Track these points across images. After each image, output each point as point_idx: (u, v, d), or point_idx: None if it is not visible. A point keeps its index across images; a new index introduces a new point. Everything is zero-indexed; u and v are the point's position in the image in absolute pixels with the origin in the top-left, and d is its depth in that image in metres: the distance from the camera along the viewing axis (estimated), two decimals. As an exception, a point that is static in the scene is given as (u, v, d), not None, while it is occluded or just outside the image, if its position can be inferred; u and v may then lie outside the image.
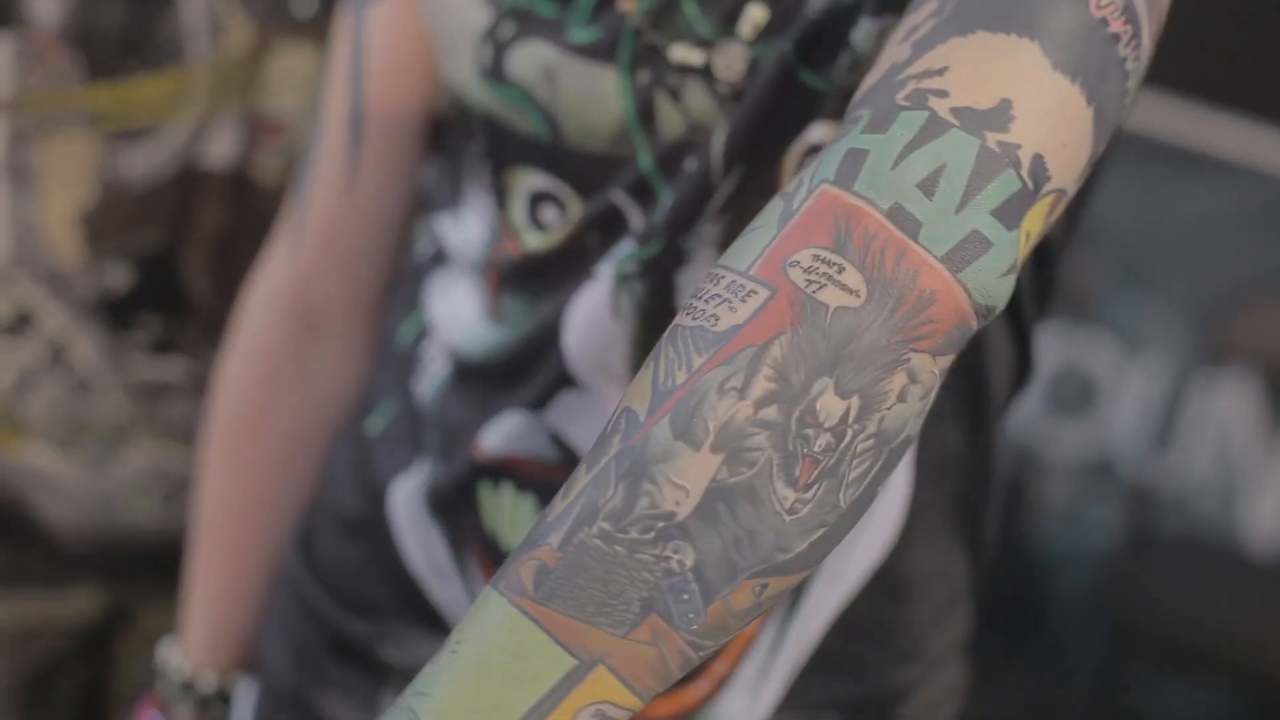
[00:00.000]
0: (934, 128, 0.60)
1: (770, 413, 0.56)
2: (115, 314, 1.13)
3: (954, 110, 0.61)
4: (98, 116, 1.09)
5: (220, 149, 1.12)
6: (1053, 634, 2.16)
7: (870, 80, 0.65)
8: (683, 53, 0.76)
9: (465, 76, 0.82)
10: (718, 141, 0.77)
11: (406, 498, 0.87)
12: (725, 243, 0.77)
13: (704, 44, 0.77)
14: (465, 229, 0.86)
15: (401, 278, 0.93)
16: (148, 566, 1.19)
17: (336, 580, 0.90)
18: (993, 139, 0.60)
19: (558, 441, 0.82)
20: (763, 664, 0.83)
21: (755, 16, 0.76)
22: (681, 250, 0.78)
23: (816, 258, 0.58)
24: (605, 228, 0.80)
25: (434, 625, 0.86)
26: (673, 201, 0.78)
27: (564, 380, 0.81)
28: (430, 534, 0.86)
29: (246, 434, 0.97)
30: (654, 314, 0.79)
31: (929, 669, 0.87)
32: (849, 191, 0.59)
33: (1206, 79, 1.95)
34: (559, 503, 0.58)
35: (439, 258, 0.89)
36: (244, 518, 0.98)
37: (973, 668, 0.93)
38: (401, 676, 0.86)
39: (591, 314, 0.80)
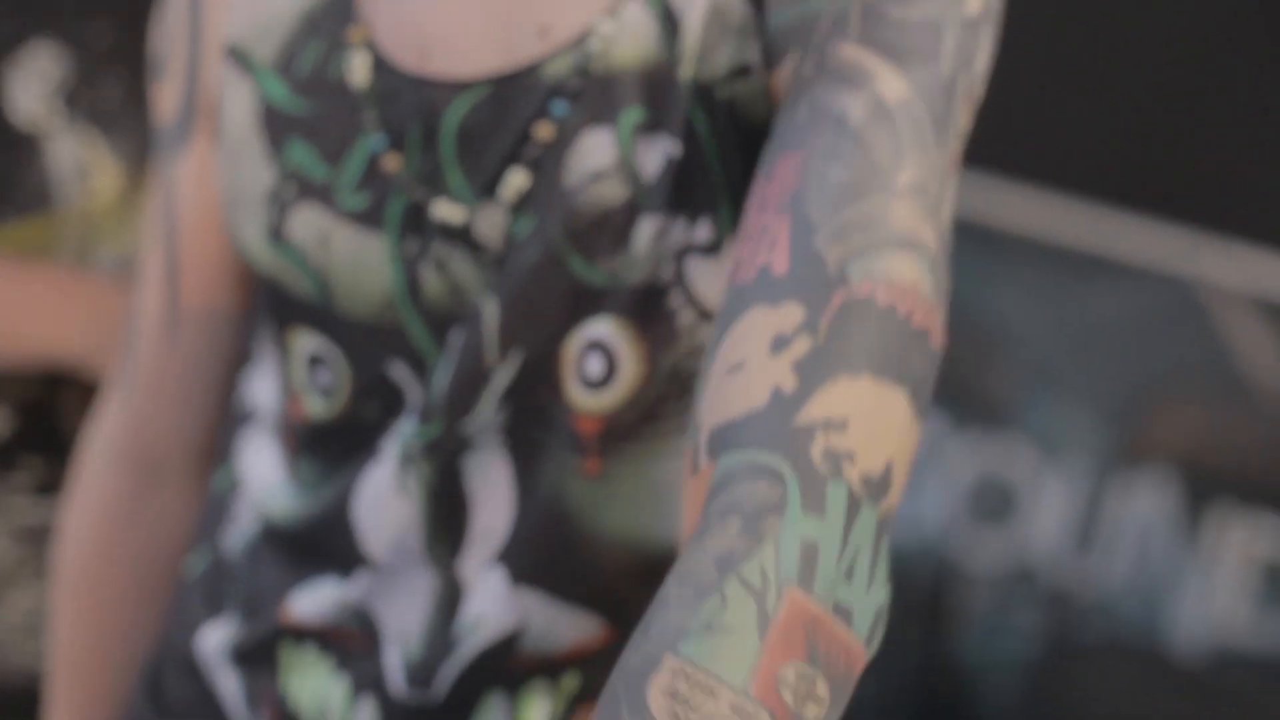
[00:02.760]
0: (854, 508, 0.64)
1: None
2: None
3: (862, 481, 0.64)
4: None
5: None
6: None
7: (735, 364, 0.67)
8: (445, 210, 0.78)
9: (252, 236, 0.83)
10: (489, 320, 0.77)
11: (213, 648, 0.89)
12: (513, 429, 0.79)
13: (466, 205, 0.78)
14: (261, 386, 0.88)
15: (223, 429, 0.95)
16: (39, 707, 1.18)
17: (183, 718, 0.91)
18: (883, 508, 0.65)
19: (357, 615, 0.84)
20: None
21: (516, 182, 0.77)
22: (463, 435, 0.79)
23: (799, 675, 0.61)
24: (382, 400, 0.81)
25: None
26: (449, 381, 0.78)
27: (362, 556, 0.83)
28: (229, 686, 0.88)
29: (89, 581, 0.98)
30: (442, 495, 0.80)
31: None
32: (811, 596, 0.62)
33: (1107, 183, 1.98)
34: None
35: (249, 413, 0.91)
36: (92, 662, 0.98)
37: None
38: None
39: (379, 493, 0.81)
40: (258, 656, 0.87)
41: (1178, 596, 2.06)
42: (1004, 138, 1.70)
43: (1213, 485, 2.05)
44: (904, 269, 0.67)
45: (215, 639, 0.89)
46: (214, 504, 0.93)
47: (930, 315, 0.68)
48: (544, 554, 0.82)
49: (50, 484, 1.16)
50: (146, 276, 0.93)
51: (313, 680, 0.85)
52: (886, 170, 0.68)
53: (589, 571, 0.82)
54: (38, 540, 1.17)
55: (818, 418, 0.64)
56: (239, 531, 0.90)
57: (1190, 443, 2.06)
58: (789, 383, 0.65)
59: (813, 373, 0.65)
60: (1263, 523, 2.04)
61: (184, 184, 0.90)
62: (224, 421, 0.95)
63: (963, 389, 2.05)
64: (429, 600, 0.83)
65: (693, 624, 0.60)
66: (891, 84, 0.69)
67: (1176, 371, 2.06)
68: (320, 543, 0.85)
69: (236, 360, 0.94)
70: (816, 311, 0.66)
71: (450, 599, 0.83)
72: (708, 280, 0.78)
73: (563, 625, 0.82)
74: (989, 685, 2.13)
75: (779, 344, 0.66)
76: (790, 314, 0.66)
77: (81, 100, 1.10)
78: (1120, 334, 2.05)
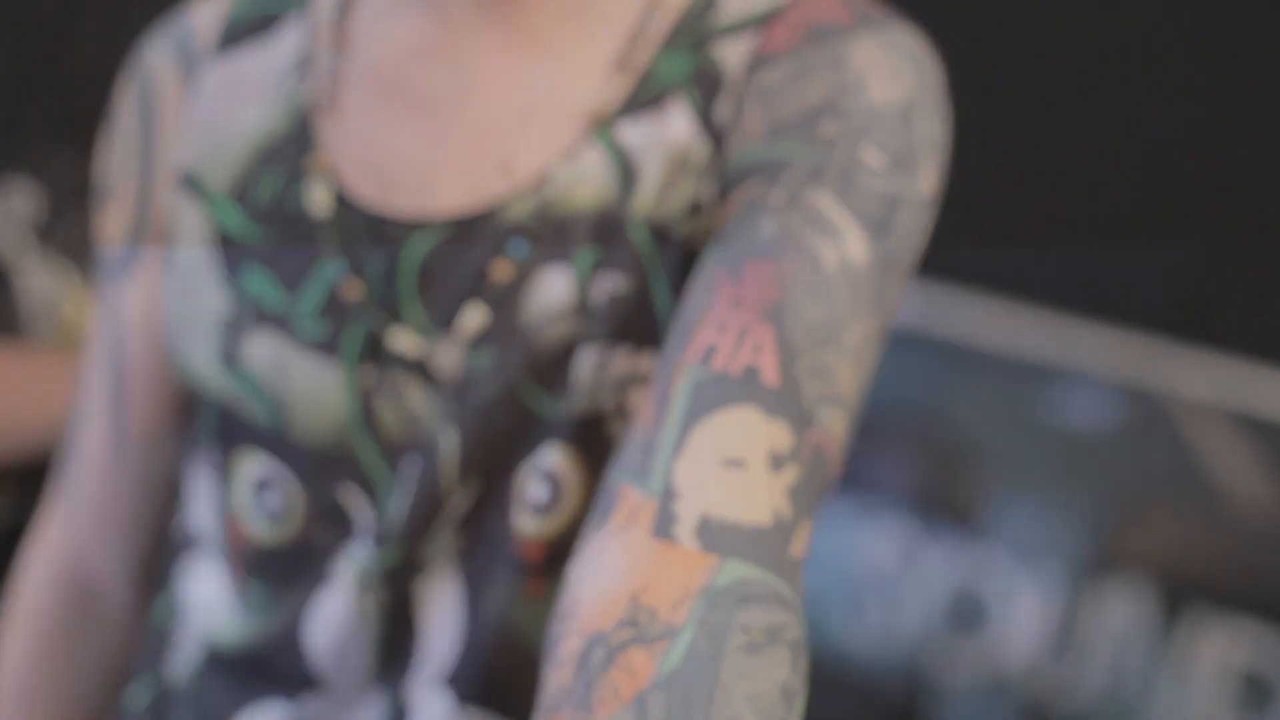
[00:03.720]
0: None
1: None
2: None
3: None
4: None
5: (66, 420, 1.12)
6: None
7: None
8: (404, 341, 0.79)
9: (203, 361, 0.83)
10: (447, 450, 0.78)
11: None
12: (466, 552, 0.80)
13: (424, 337, 0.79)
14: (197, 511, 0.88)
15: (161, 557, 0.95)
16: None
17: None
18: None
19: None
20: None
21: (475, 318, 0.78)
22: (418, 559, 0.80)
23: None
24: (334, 524, 0.82)
25: None
26: (407, 508, 0.79)
27: (309, 678, 0.83)
28: None
29: (27, 708, 0.97)
30: (391, 619, 0.81)
31: None
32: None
33: (1077, 295, 2.00)
34: None
35: (188, 539, 0.90)
36: None
37: None
38: None
39: (331, 616, 0.82)
40: None
41: (1154, 704, 2.06)
42: (976, 252, 1.73)
43: (1187, 593, 2.05)
44: (840, 427, 0.70)
45: None
46: (153, 634, 0.92)
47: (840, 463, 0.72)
48: (491, 675, 0.82)
49: None
50: (90, 401, 0.93)
51: None
52: (841, 326, 0.71)
53: (534, 690, 0.82)
54: None
55: (799, 555, 0.66)
56: (183, 659, 0.89)
57: (1163, 551, 2.07)
58: (786, 510, 0.66)
59: (798, 507, 0.67)
60: (1237, 630, 2.05)
61: (130, 309, 0.90)
62: (161, 549, 0.95)
63: (936, 500, 2.06)
64: None
65: None
66: (856, 246, 0.72)
67: (1149, 481, 2.07)
68: (268, 665, 0.85)
69: (175, 485, 0.94)
70: (799, 444, 0.68)
71: None
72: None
73: None
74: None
75: (776, 463, 0.67)
76: (782, 435, 0.68)
77: (54, 234, 1.12)
78: (1092, 444, 2.07)
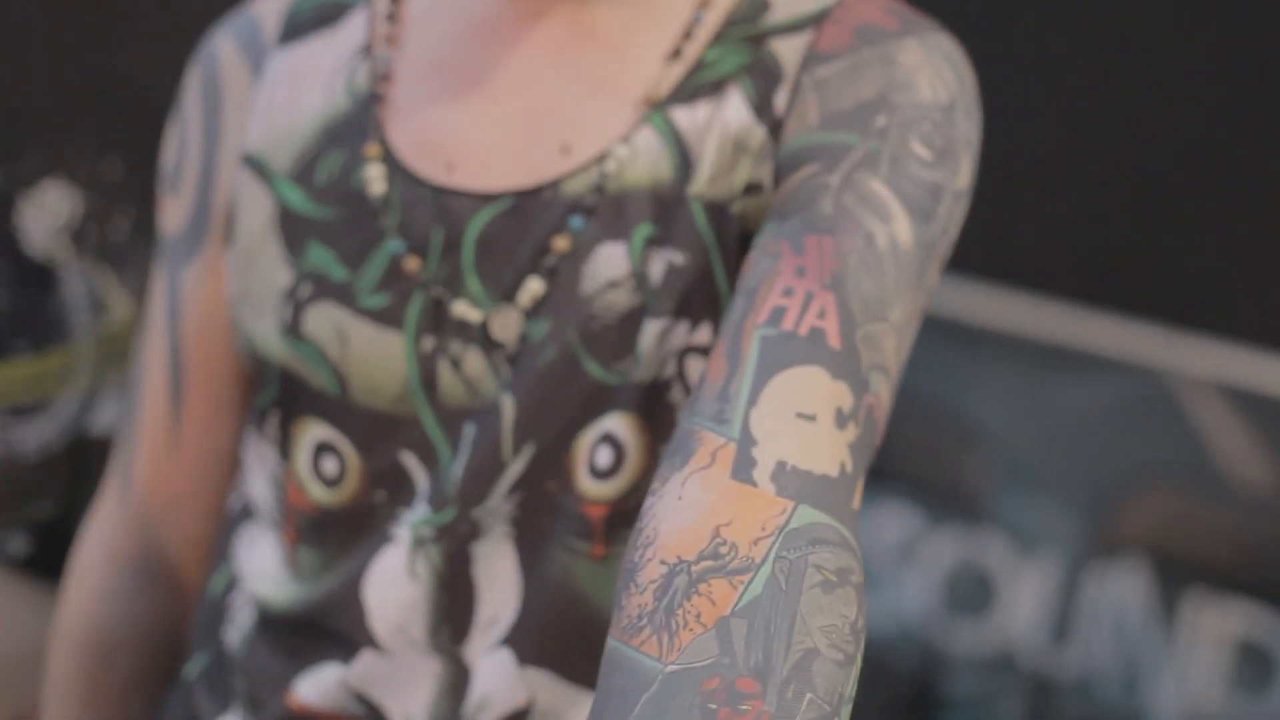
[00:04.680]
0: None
1: None
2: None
3: None
4: None
5: (108, 417, 1.15)
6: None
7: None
8: (464, 311, 0.82)
9: (267, 332, 0.87)
10: (506, 415, 0.82)
11: None
12: (524, 516, 0.83)
13: (483, 309, 0.83)
14: (256, 482, 0.91)
15: (219, 530, 0.97)
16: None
17: None
18: None
19: (362, 699, 0.86)
20: None
21: (532, 289, 0.82)
22: (475, 521, 0.83)
23: None
24: (392, 487, 0.85)
25: None
26: (463, 471, 0.83)
27: (366, 640, 0.85)
28: None
29: (83, 686, 0.98)
30: (449, 581, 0.84)
31: None
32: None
33: (1077, 280, 2.02)
34: None
35: (245, 511, 0.93)
36: None
37: None
38: None
39: (389, 576, 0.84)
40: None
41: (1154, 679, 2.09)
42: (974, 238, 1.75)
43: (1186, 572, 2.09)
44: (886, 396, 0.76)
45: None
46: (211, 607, 0.94)
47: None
48: (551, 636, 0.84)
49: None
50: (147, 382, 0.95)
51: None
52: (890, 302, 0.76)
53: (595, 651, 0.84)
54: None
55: (858, 507, 0.71)
56: (238, 626, 0.91)
57: (1163, 531, 2.10)
58: (849, 464, 0.71)
59: (857, 463, 0.72)
60: (1235, 606, 2.08)
61: (191, 291, 0.92)
62: (221, 525, 0.96)
63: (939, 484, 2.09)
64: (434, 684, 0.85)
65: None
66: (903, 229, 0.78)
67: (1148, 462, 2.10)
68: (323, 629, 0.87)
69: (233, 462, 0.96)
70: (857, 406, 0.73)
71: (456, 682, 0.85)
72: None
73: (570, 705, 0.85)
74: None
75: (841, 420, 0.72)
76: (844, 395, 0.72)
77: (90, 236, 1.16)
78: (1092, 426, 2.09)
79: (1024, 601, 2.12)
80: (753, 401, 0.71)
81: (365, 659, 0.85)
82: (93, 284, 1.14)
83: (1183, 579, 2.08)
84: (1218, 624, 2.09)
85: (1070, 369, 2.07)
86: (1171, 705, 2.09)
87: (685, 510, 0.68)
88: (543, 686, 0.85)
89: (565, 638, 0.85)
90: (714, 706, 0.62)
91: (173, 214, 0.94)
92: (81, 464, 1.17)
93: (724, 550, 0.66)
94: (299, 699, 0.87)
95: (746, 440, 0.70)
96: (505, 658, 0.84)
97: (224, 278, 0.91)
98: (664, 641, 0.64)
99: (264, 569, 0.90)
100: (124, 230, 1.17)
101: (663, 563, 0.66)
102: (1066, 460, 2.10)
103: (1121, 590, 2.10)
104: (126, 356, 1.16)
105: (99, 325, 1.14)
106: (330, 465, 0.86)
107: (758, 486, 0.68)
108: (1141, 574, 2.10)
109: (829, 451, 0.71)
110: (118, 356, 1.16)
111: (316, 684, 0.87)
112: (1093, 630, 2.11)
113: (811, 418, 0.71)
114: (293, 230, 0.86)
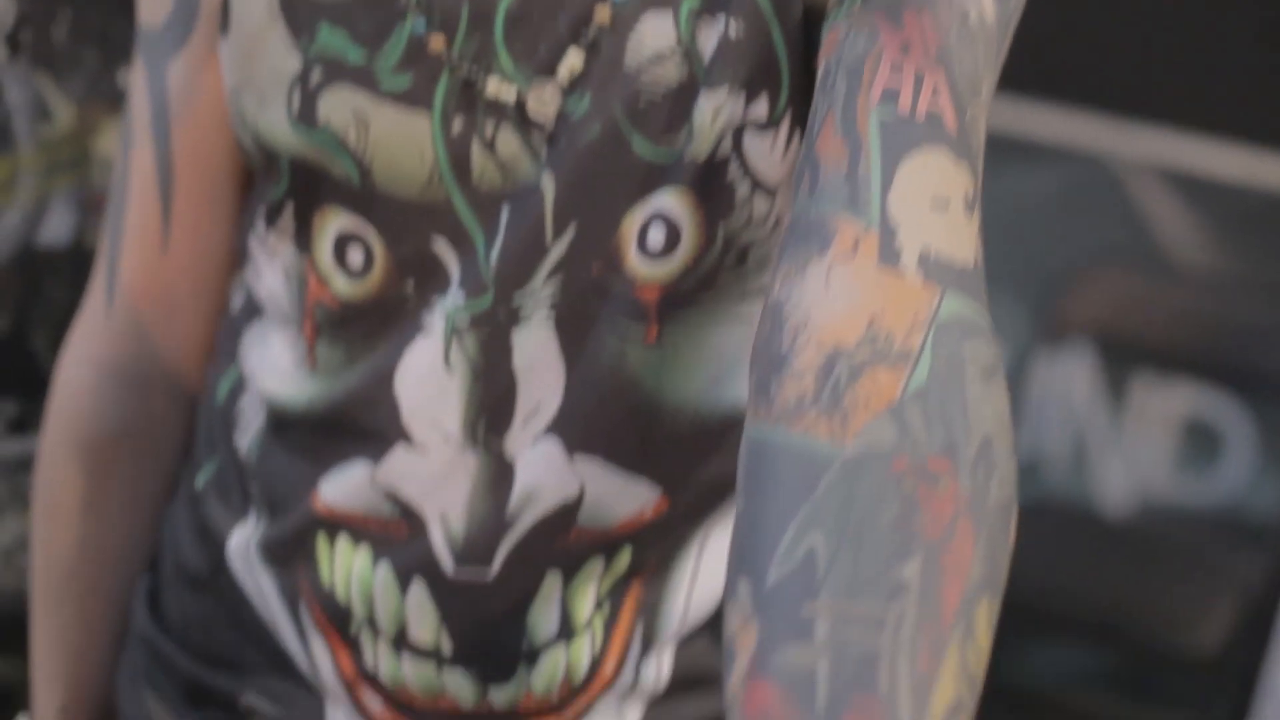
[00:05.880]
0: None
1: None
2: None
3: None
4: None
5: (56, 228, 1.14)
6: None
7: None
8: (496, 86, 0.79)
9: (275, 121, 0.82)
10: (546, 195, 0.79)
11: (240, 549, 0.88)
12: (569, 299, 0.80)
13: (517, 85, 0.79)
14: (268, 278, 0.87)
15: (221, 331, 0.94)
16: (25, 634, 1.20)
17: (188, 635, 0.91)
18: None
19: (393, 498, 0.83)
20: (623, 692, 0.85)
21: (572, 63, 0.78)
22: (514, 307, 0.80)
23: None
24: (422, 275, 0.82)
25: (289, 673, 0.87)
26: (500, 253, 0.80)
27: (398, 435, 0.82)
28: (264, 584, 0.87)
29: (80, 497, 0.95)
30: (486, 371, 0.81)
31: None
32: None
33: (1021, 68, 2.02)
34: None
35: (252, 309, 0.89)
36: (87, 578, 0.96)
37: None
38: None
39: (423, 368, 0.82)
40: (290, 553, 0.85)
41: (1102, 460, 2.13)
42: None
43: (1132, 354, 2.12)
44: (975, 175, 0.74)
45: (240, 540, 0.88)
46: (218, 413, 0.90)
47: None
48: (600, 422, 0.82)
49: (24, 421, 1.13)
50: (131, 184, 0.91)
51: (355, 570, 0.84)
52: (981, 79, 0.74)
53: (648, 438, 0.82)
54: (19, 471, 1.15)
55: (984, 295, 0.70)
56: (249, 431, 0.88)
57: (1109, 315, 2.13)
58: (979, 254, 0.70)
59: (979, 249, 0.70)
60: (1182, 387, 2.12)
61: (179, 86, 0.88)
62: (223, 326, 0.92)
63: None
64: (472, 479, 0.82)
65: None
66: (989, 5, 0.75)
67: (1093, 247, 2.13)
68: (346, 427, 0.84)
69: (230, 262, 0.92)
70: (974, 189, 0.71)
71: (497, 477, 0.82)
72: (762, 154, 0.79)
73: (621, 494, 0.83)
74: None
75: (969, 206, 0.70)
76: (968, 179, 0.70)
77: (27, 40, 1.13)
78: (1037, 213, 2.11)
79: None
80: (886, 186, 0.69)
81: (396, 455, 0.82)
82: (33, 90, 1.12)
83: (1129, 361, 2.12)
84: (1165, 404, 2.13)
85: (1015, 158, 2.08)
86: (1120, 486, 2.13)
87: (836, 299, 0.66)
88: (594, 476, 0.82)
89: (616, 425, 0.82)
90: (909, 485, 0.61)
91: (152, 4, 0.89)
92: (31, 277, 1.15)
93: (880, 339, 0.65)
94: (324, 501, 0.84)
95: (887, 227, 0.68)
96: (552, 448, 0.82)
97: (217, 70, 0.87)
98: (835, 425, 0.63)
99: (277, 368, 0.86)
100: (63, 32, 1.15)
101: (820, 346, 0.65)
102: (1012, 248, 2.12)
103: (1069, 375, 2.14)
104: (74, 163, 1.15)
105: (41, 133, 1.12)
106: (355, 256, 0.83)
107: (905, 276, 0.67)
108: (1088, 358, 2.13)
109: (966, 239, 0.69)
110: (64, 165, 1.14)
111: (343, 484, 0.84)
112: (1041, 415, 2.15)
113: (945, 204, 0.69)
114: (299, 12, 0.81)
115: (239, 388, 0.89)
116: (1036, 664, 2.21)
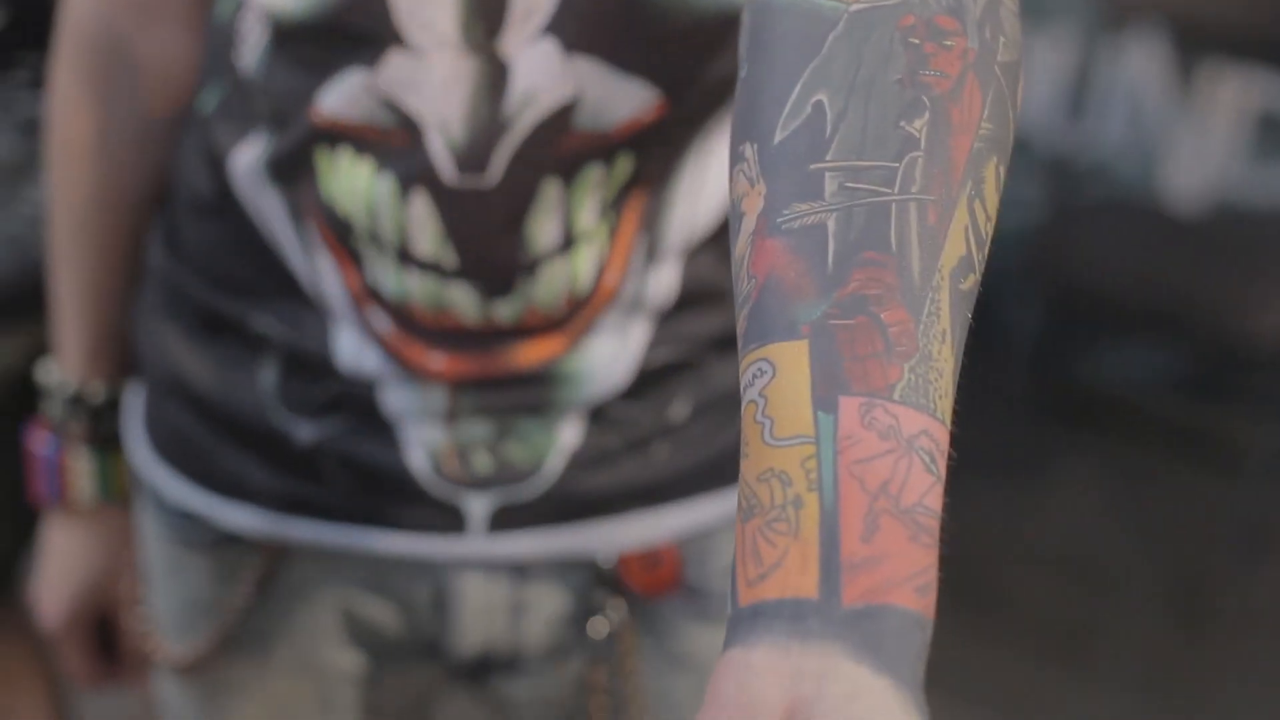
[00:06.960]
0: None
1: None
2: None
3: None
4: None
5: None
6: (988, 316, 2.20)
7: None
8: None
9: None
10: None
11: (246, 168, 0.87)
12: None
13: None
14: None
15: None
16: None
17: (202, 263, 0.91)
18: None
19: (391, 106, 0.82)
20: (628, 305, 0.85)
21: None
22: None
23: None
24: None
25: (296, 294, 0.88)
26: None
27: (391, 38, 0.81)
28: (270, 203, 0.87)
29: (91, 133, 0.96)
30: None
31: None
32: None
33: None
34: None
35: None
36: (103, 216, 0.97)
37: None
38: (276, 348, 0.88)
39: None
40: (294, 167, 0.85)
41: (1172, 153, 2.08)
42: None
43: (1203, 41, 2.06)
44: None
45: (246, 159, 0.87)
46: (220, 32, 0.89)
47: None
48: (599, 19, 0.80)
49: (43, 80, 1.15)
50: None
51: (357, 181, 0.84)
52: None
53: (647, 37, 0.80)
54: (44, 131, 1.16)
55: None
56: (251, 47, 0.86)
57: (1177, 2, 2.06)
58: None
59: None
60: (1254, 75, 2.06)
61: None
62: None
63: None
64: (469, 84, 0.81)
65: None
66: None
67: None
68: (342, 33, 0.82)
69: None
70: None
71: (493, 79, 0.81)
72: None
73: (619, 95, 0.82)
74: (994, 257, 2.17)
75: None
76: None
77: None
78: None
79: (1037, 81, 2.09)
80: None
81: (392, 60, 0.81)
82: None
83: (1200, 48, 2.06)
84: (1235, 93, 2.07)
85: None
86: (1191, 177, 2.09)
87: None
88: (591, 76, 0.80)
89: (614, 22, 0.80)
90: (916, 40, 0.59)
91: None
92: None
93: None
94: (323, 111, 0.82)
95: None
96: (549, 48, 0.80)
97: None
98: None
99: None
100: None
101: None
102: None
103: (1136, 64, 2.08)
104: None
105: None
106: None
107: None
108: (1156, 46, 2.07)
109: None
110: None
111: (340, 92, 0.82)
112: (1108, 107, 2.09)
113: None
114: None
115: (240, 6, 0.87)
116: (1108, 362, 2.19)
